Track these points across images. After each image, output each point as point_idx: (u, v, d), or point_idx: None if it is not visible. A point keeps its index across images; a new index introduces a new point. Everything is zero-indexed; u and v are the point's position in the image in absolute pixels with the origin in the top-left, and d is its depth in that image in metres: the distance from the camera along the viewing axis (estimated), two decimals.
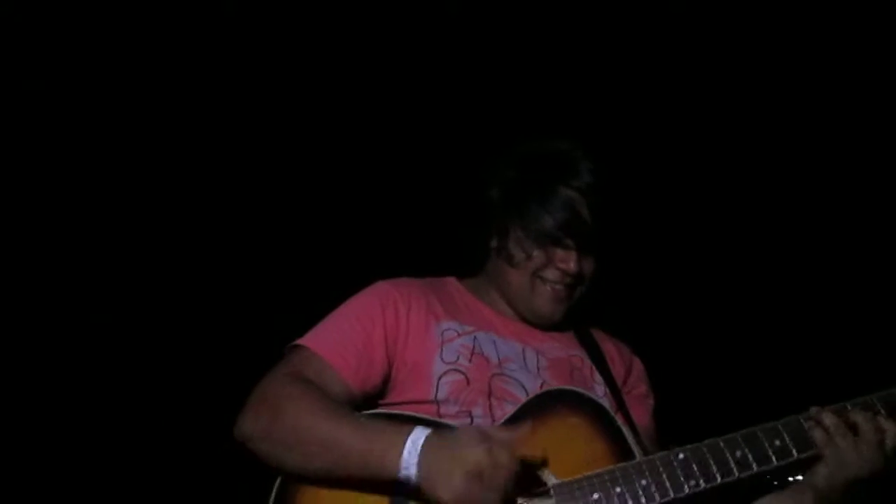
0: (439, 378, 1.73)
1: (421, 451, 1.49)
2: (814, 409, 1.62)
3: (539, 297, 1.87)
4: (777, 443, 1.59)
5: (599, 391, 1.82)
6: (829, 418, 1.59)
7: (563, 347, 1.91)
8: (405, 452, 1.50)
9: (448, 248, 2.05)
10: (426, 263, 2.04)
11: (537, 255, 1.85)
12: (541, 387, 1.75)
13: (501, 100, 3.14)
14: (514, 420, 1.66)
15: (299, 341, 1.78)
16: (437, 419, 1.69)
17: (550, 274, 1.85)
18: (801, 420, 1.61)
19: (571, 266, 1.83)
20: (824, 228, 3.37)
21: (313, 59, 3.08)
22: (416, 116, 3.18)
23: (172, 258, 3.21)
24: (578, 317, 1.98)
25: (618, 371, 1.93)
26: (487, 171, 1.98)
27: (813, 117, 3.21)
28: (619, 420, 1.69)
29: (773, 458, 1.58)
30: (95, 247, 3.16)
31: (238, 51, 3.02)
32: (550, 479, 1.59)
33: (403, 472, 1.50)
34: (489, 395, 1.72)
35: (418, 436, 1.52)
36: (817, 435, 1.60)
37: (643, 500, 1.56)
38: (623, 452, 1.62)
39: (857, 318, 3.21)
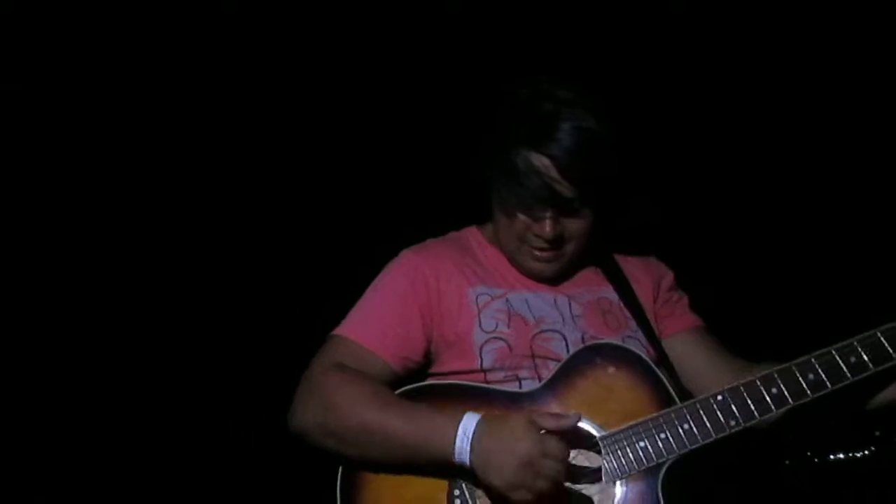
0: (481, 347, 1.77)
1: (473, 438, 1.56)
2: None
3: (525, 258, 1.84)
4: (811, 376, 1.64)
5: (632, 332, 1.86)
6: None
7: (590, 289, 1.92)
8: (458, 441, 1.57)
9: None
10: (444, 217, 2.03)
11: (519, 218, 1.79)
12: (582, 338, 1.80)
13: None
14: (556, 379, 1.72)
15: (336, 332, 1.82)
16: (486, 385, 1.75)
17: (532, 239, 1.79)
18: (834, 352, 1.65)
19: (547, 232, 1.75)
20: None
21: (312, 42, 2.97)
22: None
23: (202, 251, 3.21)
24: (600, 249, 1.96)
25: (646, 295, 1.94)
26: (479, 123, 1.88)
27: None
28: (656, 365, 1.75)
29: (808, 392, 1.64)
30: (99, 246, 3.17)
31: (238, 50, 2.92)
32: (596, 431, 1.67)
33: (458, 459, 1.58)
34: (533, 356, 1.76)
35: (468, 423, 1.58)
36: None
37: (688, 443, 1.64)
38: (665, 399, 1.69)
39: None
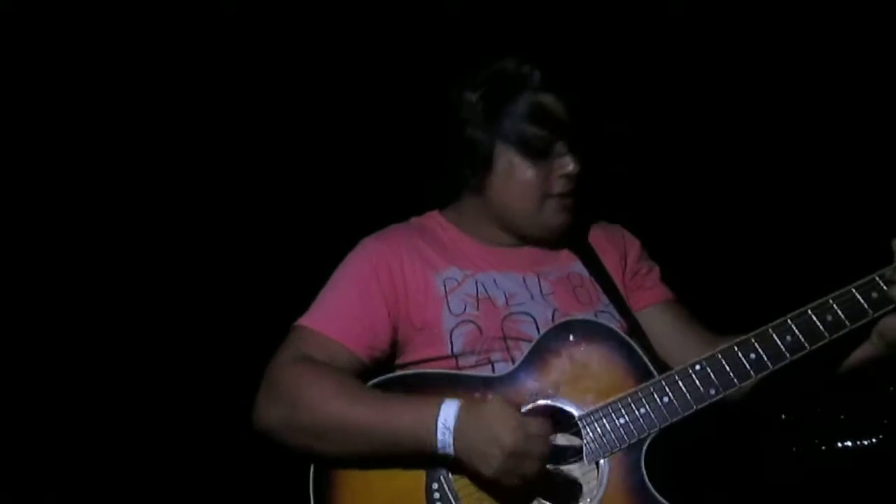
0: (451, 332, 1.73)
1: (454, 428, 1.52)
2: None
3: (548, 212, 1.80)
4: (788, 338, 1.60)
5: (604, 305, 1.82)
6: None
7: (560, 266, 1.88)
8: (438, 432, 1.53)
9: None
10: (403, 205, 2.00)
11: (537, 171, 1.77)
12: (552, 315, 1.76)
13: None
14: (529, 360, 1.68)
15: (299, 322, 1.77)
16: (457, 372, 1.71)
17: (556, 186, 1.78)
18: (810, 312, 1.61)
19: (572, 168, 1.77)
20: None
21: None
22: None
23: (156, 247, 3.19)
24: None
25: (615, 267, 1.91)
26: (451, 101, 1.86)
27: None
28: (631, 339, 1.71)
29: (787, 354, 1.60)
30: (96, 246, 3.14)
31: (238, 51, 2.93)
32: (575, 410, 1.63)
33: (440, 451, 1.54)
34: (504, 338, 1.72)
35: (448, 412, 1.54)
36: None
37: (668, 416, 1.60)
38: (642, 372, 1.65)
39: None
